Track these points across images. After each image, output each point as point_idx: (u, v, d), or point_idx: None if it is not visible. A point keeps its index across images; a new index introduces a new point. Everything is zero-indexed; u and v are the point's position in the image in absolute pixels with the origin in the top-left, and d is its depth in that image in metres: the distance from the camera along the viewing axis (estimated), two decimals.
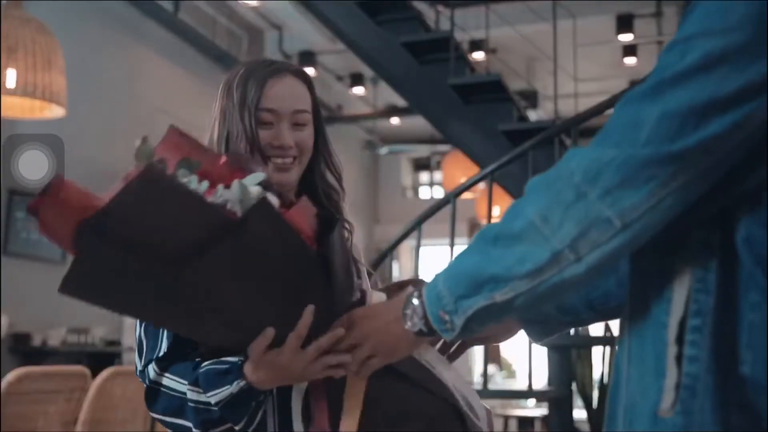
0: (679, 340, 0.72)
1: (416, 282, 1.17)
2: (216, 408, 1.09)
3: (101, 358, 4.85)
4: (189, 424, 1.13)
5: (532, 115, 7.38)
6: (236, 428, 1.11)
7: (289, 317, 1.05)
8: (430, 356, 1.19)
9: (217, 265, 0.97)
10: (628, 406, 0.79)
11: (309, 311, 1.05)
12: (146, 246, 0.95)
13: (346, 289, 1.10)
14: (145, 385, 1.17)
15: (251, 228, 0.97)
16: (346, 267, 1.11)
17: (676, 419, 0.71)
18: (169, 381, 1.15)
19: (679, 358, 0.72)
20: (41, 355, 4.87)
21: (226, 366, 1.10)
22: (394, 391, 1.14)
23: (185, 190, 0.98)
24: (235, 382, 1.08)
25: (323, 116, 1.42)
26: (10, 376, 2.47)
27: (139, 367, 1.20)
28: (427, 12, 5.74)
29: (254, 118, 1.27)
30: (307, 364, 1.06)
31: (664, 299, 0.75)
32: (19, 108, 3.14)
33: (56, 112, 3.09)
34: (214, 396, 1.09)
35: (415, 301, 0.97)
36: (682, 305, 0.73)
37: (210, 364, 1.11)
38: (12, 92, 2.86)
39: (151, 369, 1.16)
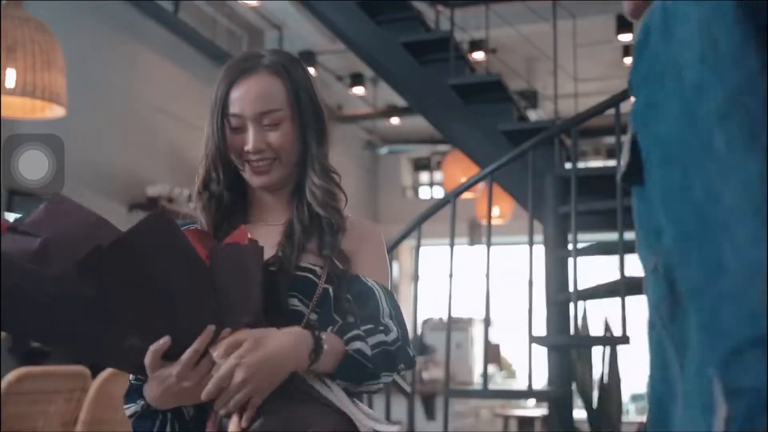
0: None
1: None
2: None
3: None
4: None
5: (532, 115, 7.38)
6: None
7: (185, 331, 1.09)
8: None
9: (115, 272, 1.03)
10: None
11: (210, 330, 1.09)
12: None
13: (233, 309, 1.12)
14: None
15: (144, 236, 1.03)
16: (241, 288, 1.14)
17: None
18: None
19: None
20: (41, 355, 4.87)
21: (140, 383, 1.18)
22: (289, 399, 1.16)
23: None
24: (137, 401, 1.18)
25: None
26: (10, 376, 2.47)
27: None
28: (427, 12, 5.74)
29: (219, 123, 1.26)
30: (200, 378, 1.10)
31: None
32: (19, 108, 3.14)
33: (56, 112, 3.09)
34: (128, 410, 1.20)
35: None
36: None
37: (135, 379, 1.21)
38: (11, 92, 2.86)
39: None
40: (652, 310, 0.79)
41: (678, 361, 0.74)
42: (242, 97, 1.26)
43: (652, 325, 0.78)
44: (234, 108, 1.26)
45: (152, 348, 1.08)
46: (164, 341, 1.08)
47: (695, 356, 0.71)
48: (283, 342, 1.12)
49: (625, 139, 0.77)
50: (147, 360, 1.09)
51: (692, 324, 0.72)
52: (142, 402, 1.17)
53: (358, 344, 1.18)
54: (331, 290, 1.25)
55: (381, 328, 1.23)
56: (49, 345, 1.14)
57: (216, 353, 1.09)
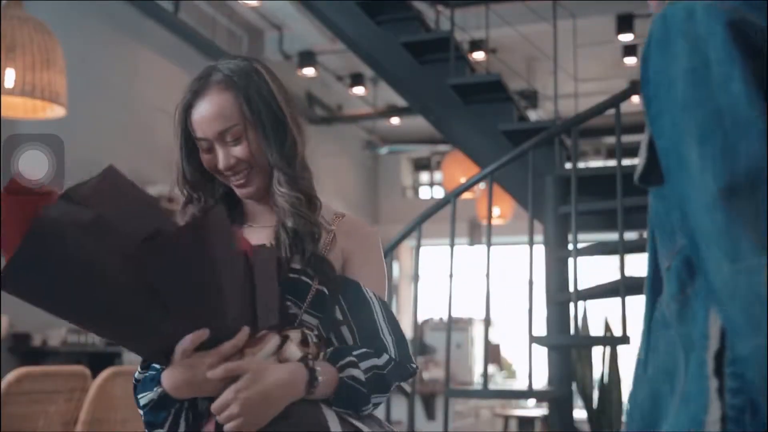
0: (718, 372, 0.71)
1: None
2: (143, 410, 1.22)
3: (101, 358, 4.85)
4: None
5: (532, 115, 7.38)
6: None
7: (222, 325, 1.12)
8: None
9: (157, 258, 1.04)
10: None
11: (246, 330, 1.13)
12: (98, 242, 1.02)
13: (264, 311, 1.16)
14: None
15: (203, 228, 1.07)
16: (271, 291, 1.18)
17: None
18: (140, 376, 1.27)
19: (720, 391, 0.70)
20: (41, 355, 4.87)
21: (156, 372, 1.19)
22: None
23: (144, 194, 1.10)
24: (155, 389, 1.18)
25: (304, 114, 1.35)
26: (10, 376, 2.46)
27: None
28: (427, 12, 5.74)
29: (181, 149, 1.34)
30: (210, 368, 1.12)
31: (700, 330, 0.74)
32: (19, 108, 3.14)
33: (56, 111, 3.09)
34: (142, 399, 1.21)
35: None
36: (717, 339, 0.71)
37: (150, 370, 1.22)
38: (11, 92, 2.85)
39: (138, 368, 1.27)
40: (665, 308, 0.79)
41: (684, 359, 0.75)
42: (201, 120, 1.29)
43: (667, 323, 0.78)
44: (198, 132, 1.30)
45: (193, 335, 1.09)
46: (203, 333, 1.10)
47: (698, 356, 0.72)
48: (280, 377, 1.15)
49: (643, 140, 0.78)
50: (183, 345, 1.10)
51: (698, 324, 0.73)
52: (160, 389, 1.17)
53: (352, 371, 1.21)
54: (326, 291, 1.27)
55: (373, 350, 1.25)
56: (83, 319, 1.11)
57: (213, 373, 1.11)
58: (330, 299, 1.27)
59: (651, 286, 0.85)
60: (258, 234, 1.30)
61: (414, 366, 1.31)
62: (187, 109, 1.31)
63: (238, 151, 1.28)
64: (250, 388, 1.11)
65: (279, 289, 1.21)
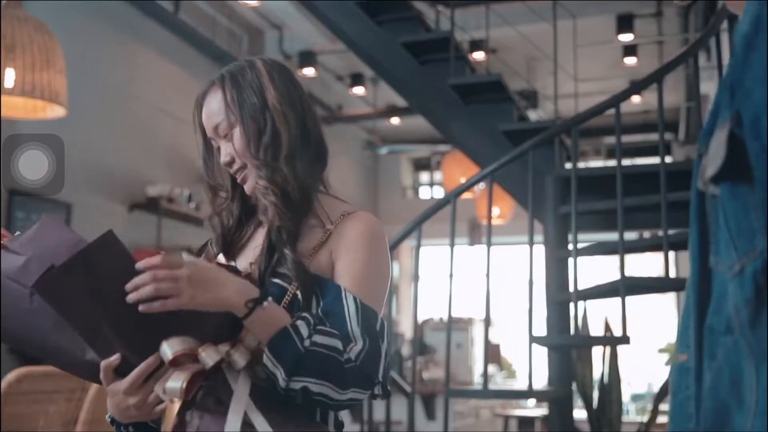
0: None
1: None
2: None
3: None
4: None
5: (532, 115, 7.38)
6: None
7: (139, 348, 1.15)
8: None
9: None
10: None
11: (156, 356, 1.14)
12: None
13: (192, 326, 1.16)
14: None
15: (93, 256, 1.11)
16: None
17: None
18: None
19: None
20: None
21: None
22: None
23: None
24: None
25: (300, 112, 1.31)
26: (10, 376, 2.46)
27: None
28: (427, 12, 5.74)
29: (202, 147, 1.37)
30: (145, 398, 1.16)
31: None
32: (19, 108, 3.13)
33: (56, 111, 3.08)
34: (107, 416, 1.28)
35: None
36: None
37: None
38: (10, 92, 2.85)
39: None
40: (732, 314, 0.74)
41: (755, 369, 0.71)
42: (203, 119, 1.34)
43: (729, 330, 0.74)
44: (206, 131, 1.36)
45: (103, 364, 1.15)
46: (114, 358, 1.15)
47: None
48: (230, 278, 1.15)
49: (718, 135, 0.73)
50: (101, 374, 1.16)
51: None
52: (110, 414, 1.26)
53: (298, 323, 1.15)
54: (299, 294, 1.22)
55: (346, 343, 1.17)
56: (28, 352, 1.22)
57: (145, 263, 1.10)
58: (304, 305, 1.22)
59: (699, 289, 0.80)
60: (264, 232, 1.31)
61: (377, 383, 1.19)
62: (200, 110, 1.36)
63: (229, 147, 1.30)
64: (207, 272, 1.13)
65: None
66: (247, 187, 1.32)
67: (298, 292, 1.22)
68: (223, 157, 1.31)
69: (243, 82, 1.30)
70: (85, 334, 1.13)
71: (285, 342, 1.13)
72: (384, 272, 1.29)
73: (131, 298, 1.07)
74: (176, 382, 1.12)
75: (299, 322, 1.15)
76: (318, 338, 1.15)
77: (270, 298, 1.14)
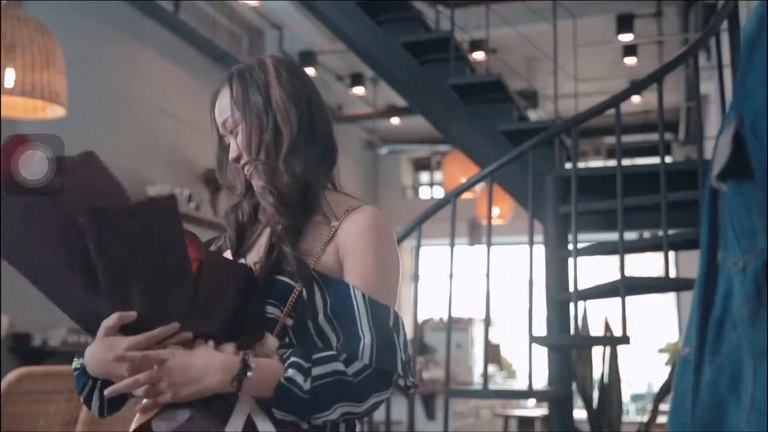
0: None
1: None
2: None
3: None
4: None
5: (532, 115, 7.38)
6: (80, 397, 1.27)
7: (151, 315, 1.14)
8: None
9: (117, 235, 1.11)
10: None
11: (174, 326, 1.14)
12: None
13: (200, 315, 1.17)
14: None
15: (147, 214, 1.14)
16: (216, 299, 1.19)
17: None
18: None
19: None
20: (41, 355, 4.87)
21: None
22: None
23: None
24: (80, 359, 1.24)
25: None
26: (11, 376, 2.47)
27: None
28: (427, 12, 5.74)
29: (217, 145, 1.38)
30: (139, 365, 1.13)
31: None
32: (19, 108, 3.13)
33: (56, 111, 3.08)
34: (74, 363, 1.26)
35: None
36: None
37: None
38: (10, 92, 2.85)
39: None
40: (735, 310, 0.75)
41: (753, 365, 0.71)
42: (215, 116, 1.36)
43: (735, 325, 0.75)
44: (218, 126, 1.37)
45: (118, 315, 1.13)
46: (131, 314, 1.13)
47: None
48: (210, 362, 1.13)
49: (725, 134, 0.73)
50: (107, 323, 1.14)
51: None
52: (81, 360, 1.23)
53: (290, 372, 1.14)
54: (304, 293, 1.21)
55: (344, 356, 1.16)
56: (27, 276, 1.18)
57: (129, 355, 1.12)
58: (309, 302, 1.21)
59: (705, 284, 0.80)
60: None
61: (399, 374, 1.19)
62: (213, 107, 1.37)
63: (236, 143, 1.32)
64: (173, 356, 1.13)
65: (231, 302, 1.20)
66: (254, 184, 1.33)
67: (303, 290, 1.22)
68: (231, 153, 1.32)
69: (250, 79, 1.31)
70: (113, 283, 1.11)
71: (287, 398, 1.13)
72: (393, 265, 1.31)
73: (107, 392, 1.14)
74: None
75: (290, 372, 1.14)
76: (317, 371, 1.14)
77: (252, 365, 1.13)
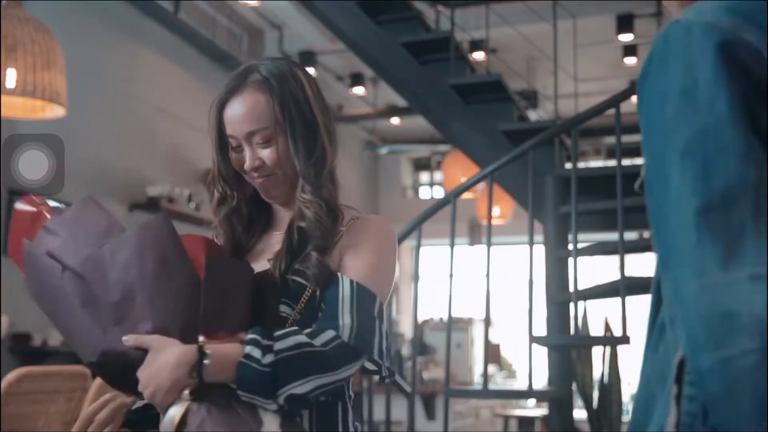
0: (678, 379, 0.74)
1: None
2: None
3: None
4: None
5: (532, 115, 7.38)
6: None
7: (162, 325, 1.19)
8: None
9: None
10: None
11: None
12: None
13: (212, 317, 1.19)
14: None
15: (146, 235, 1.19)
16: (225, 301, 1.21)
17: None
18: None
19: (678, 398, 0.73)
20: (41, 355, 4.87)
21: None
22: None
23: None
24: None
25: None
26: (10, 376, 2.47)
27: None
28: (427, 12, 5.74)
29: (216, 144, 1.33)
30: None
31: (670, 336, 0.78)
32: (19, 108, 3.13)
33: (56, 111, 3.08)
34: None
35: None
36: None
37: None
38: (11, 92, 2.85)
39: None
40: (666, 311, 0.81)
41: (674, 360, 0.77)
42: (232, 119, 1.29)
43: (666, 326, 0.81)
44: (228, 129, 1.31)
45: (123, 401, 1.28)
46: (130, 400, 1.29)
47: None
48: (169, 358, 1.13)
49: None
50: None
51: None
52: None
53: (247, 349, 1.13)
54: (317, 293, 1.24)
55: (307, 330, 1.16)
56: (52, 318, 1.28)
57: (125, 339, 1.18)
58: (319, 299, 1.25)
59: (657, 289, 0.85)
60: (278, 238, 1.32)
61: (372, 361, 1.20)
62: (222, 105, 1.31)
63: (266, 154, 1.28)
64: (147, 364, 1.15)
65: (242, 302, 1.22)
66: (268, 195, 1.33)
67: (317, 289, 1.24)
68: (251, 161, 1.28)
69: (288, 90, 1.28)
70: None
71: (247, 375, 1.11)
72: (389, 263, 1.31)
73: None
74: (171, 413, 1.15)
75: (247, 348, 1.13)
76: (279, 345, 1.13)
77: (208, 351, 1.12)
